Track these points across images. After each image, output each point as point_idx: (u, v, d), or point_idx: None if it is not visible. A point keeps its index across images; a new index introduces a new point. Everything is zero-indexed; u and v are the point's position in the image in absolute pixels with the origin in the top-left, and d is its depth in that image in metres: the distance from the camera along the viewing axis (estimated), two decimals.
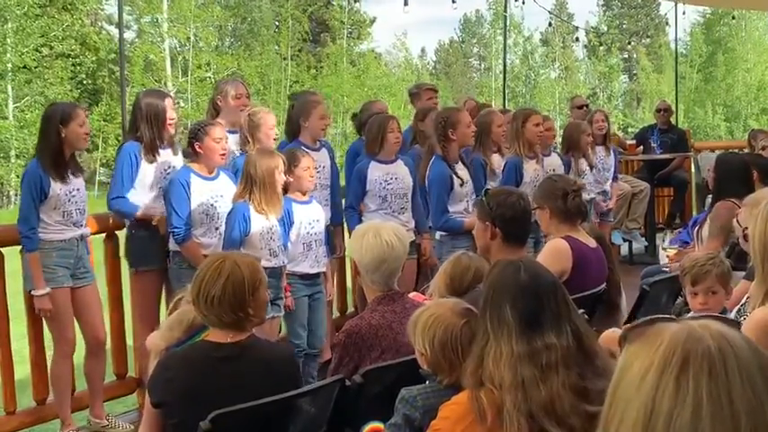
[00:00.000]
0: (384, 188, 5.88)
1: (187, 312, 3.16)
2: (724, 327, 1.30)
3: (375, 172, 5.89)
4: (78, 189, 4.88)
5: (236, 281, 2.93)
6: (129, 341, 5.60)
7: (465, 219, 5.79)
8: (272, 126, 5.48)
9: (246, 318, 2.98)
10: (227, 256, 3.10)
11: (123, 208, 5.15)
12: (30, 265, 4.72)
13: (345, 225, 6.09)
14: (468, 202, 5.85)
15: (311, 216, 5.30)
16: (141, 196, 5.17)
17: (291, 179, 5.17)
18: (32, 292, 4.73)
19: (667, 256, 5.80)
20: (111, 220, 5.41)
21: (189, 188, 4.98)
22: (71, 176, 4.84)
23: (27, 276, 4.77)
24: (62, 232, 4.80)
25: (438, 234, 5.93)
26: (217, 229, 5.07)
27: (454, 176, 5.82)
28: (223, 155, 5.08)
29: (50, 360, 4.99)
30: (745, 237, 4.38)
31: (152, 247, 5.18)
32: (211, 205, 5.07)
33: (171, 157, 5.24)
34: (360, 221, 5.71)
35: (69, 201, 4.80)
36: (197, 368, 2.94)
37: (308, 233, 5.26)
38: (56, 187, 4.73)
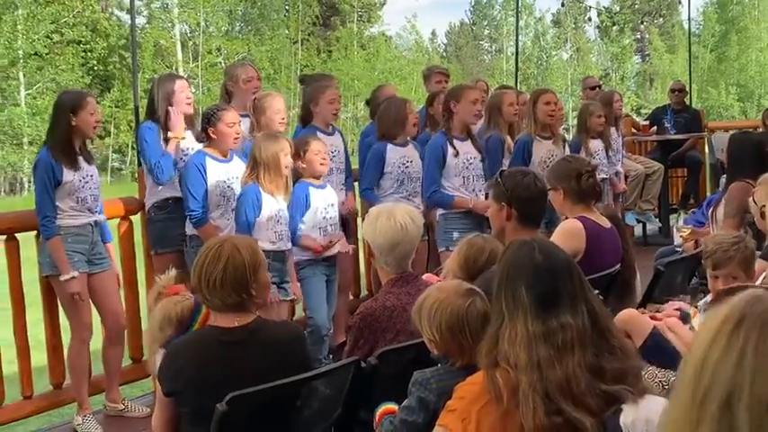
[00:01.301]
0: (402, 171, 5.88)
1: (170, 307, 3.16)
2: None
3: (393, 155, 5.89)
4: (91, 176, 4.91)
5: (237, 262, 2.93)
6: (145, 325, 5.61)
7: (456, 194, 5.74)
8: (278, 110, 5.45)
9: (250, 299, 2.97)
10: (225, 239, 3.10)
11: (166, 163, 5.18)
12: (51, 251, 4.74)
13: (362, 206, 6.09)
14: (465, 178, 5.80)
15: (327, 200, 5.32)
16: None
17: (304, 165, 5.18)
18: (60, 277, 4.74)
19: (681, 236, 5.78)
20: (123, 205, 5.44)
21: (205, 171, 5.02)
22: (83, 163, 4.86)
23: (44, 262, 4.80)
24: (76, 218, 4.82)
25: (437, 215, 5.86)
26: (233, 210, 5.09)
27: (449, 147, 5.76)
28: (236, 139, 5.11)
29: (67, 345, 5.02)
30: (762, 215, 4.36)
31: (171, 229, 5.24)
32: (228, 187, 5.10)
33: (192, 142, 5.27)
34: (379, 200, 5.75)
35: (83, 187, 4.83)
36: (206, 355, 2.94)
37: (323, 218, 5.28)
38: (68, 174, 4.75)
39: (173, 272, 3.39)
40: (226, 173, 5.10)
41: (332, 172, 5.69)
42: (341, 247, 5.57)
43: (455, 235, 5.46)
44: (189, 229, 5.13)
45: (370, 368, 3.06)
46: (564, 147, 6.49)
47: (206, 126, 5.05)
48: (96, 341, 5.13)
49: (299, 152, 5.19)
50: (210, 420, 2.68)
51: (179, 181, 5.16)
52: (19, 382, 4.97)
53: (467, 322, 2.72)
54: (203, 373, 2.90)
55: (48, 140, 4.87)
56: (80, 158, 4.85)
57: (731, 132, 8.62)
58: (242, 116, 5.39)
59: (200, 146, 5.18)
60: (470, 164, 5.82)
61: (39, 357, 5.12)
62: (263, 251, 4.63)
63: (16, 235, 4.93)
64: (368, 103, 7.22)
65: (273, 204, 4.93)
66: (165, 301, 3.19)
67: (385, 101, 6.32)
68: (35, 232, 4.86)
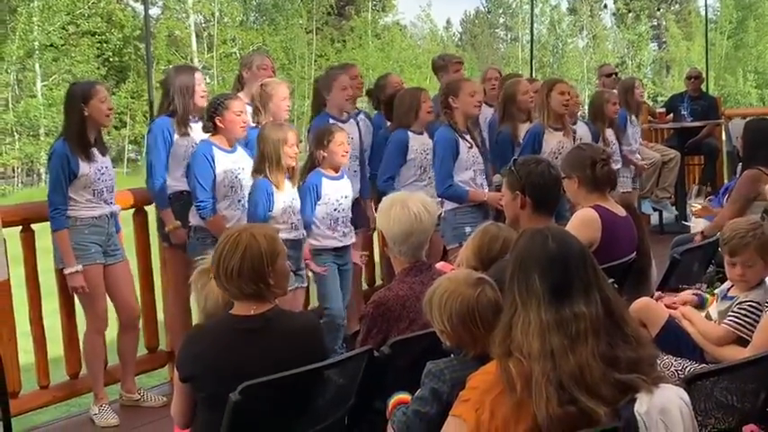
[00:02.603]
0: (425, 158, 5.87)
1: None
2: None
3: (415, 142, 5.88)
4: (106, 167, 4.92)
5: (254, 252, 2.92)
6: (161, 315, 5.65)
7: (470, 189, 5.71)
8: (284, 97, 5.38)
9: (268, 288, 2.97)
10: (244, 228, 3.08)
11: (159, 198, 5.25)
12: (58, 243, 4.76)
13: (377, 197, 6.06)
14: (475, 171, 5.77)
15: (341, 192, 5.30)
16: (174, 171, 5.25)
17: (325, 154, 5.17)
18: (64, 271, 4.77)
19: (693, 211, 5.77)
20: (139, 196, 5.45)
21: (213, 161, 4.98)
22: (98, 155, 4.87)
23: (57, 254, 4.82)
24: (93, 209, 4.83)
25: (443, 211, 5.68)
26: (240, 201, 5.07)
27: (461, 141, 5.72)
28: (243, 127, 5.08)
29: (82, 335, 5.05)
30: None
31: (183, 221, 5.22)
32: (236, 177, 5.07)
33: (200, 133, 5.27)
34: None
35: (99, 179, 4.83)
36: (223, 342, 2.95)
37: (335, 209, 5.26)
38: (84, 166, 4.76)
39: None
40: (233, 163, 5.05)
41: None
42: (355, 258, 5.57)
43: (467, 229, 5.42)
44: (194, 220, 5.08)
45: (383, 357, 3.05)
46: (574, 139, 6.41)
47: (213, 115, 5.00)
48: (112, 331, 5.15)
49: (322, 141, 5.18)
50: (225, 406, 2.70)
51: (186, 172, 5.14)
52: (35, 371, 5.00)
53: (478, 311, 2.70)
54: (219, 359, 2.92)
55: (64, 132, 4.87)
56: (95, 150, 4.85)
57: (748, 119, 8.56)
58: (250, 105, 5.39)
59: (206, 136, 5.16)
60: (477, 158, 5.80)
61: (55, 347, 5.15)
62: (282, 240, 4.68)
63: (32, 225, 4.95)
64: (369, 93, 7.13)
65: (284, 196, 4.92)
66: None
67: (397, 91, 6.31)
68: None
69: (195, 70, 5.54)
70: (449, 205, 5.74)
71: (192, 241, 5.12)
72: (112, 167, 5.07)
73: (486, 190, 5.74)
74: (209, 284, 3.18)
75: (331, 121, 5.71)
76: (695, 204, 5.75)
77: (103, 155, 4.94)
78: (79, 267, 4.75)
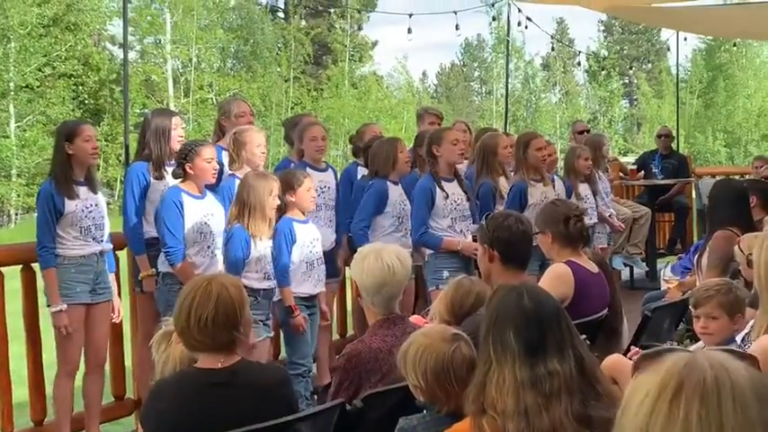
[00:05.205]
0: (402, 209, 5.91)
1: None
2: (728, 357, 1.33)
3: (393, 194, 5.91)
4: (96, 205, 4.91)
5: (227, 301, 2.90)
6: (128, 362, 5.57)
7: (445, 236, 5.76)
8: (258, 144, 5.35)
9: (237, 337, 2.95)
10: (211, 277, 3.06)
11: (134, 243, 5.22)
12: (45, 281, 4.74)
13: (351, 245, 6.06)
14: (453, 220, 5.83)
15: (311, 235, 5.30)
16: (150, 216, 5.20)
17: (293, 199, 5.16)
18: (49, 309, 4.72)
19: (668, 288, 5.76)
20: (112, 239, 5.40)
21: (182, 208, 4.92)
22: (86, 192, 4.85)
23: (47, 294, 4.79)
24: (81, 248, 4.81)
25: (426, 254, 5.88)
26: (209, 248, 5.03)
27: (438, 190, 5.80)
28: (215, 174, 5.05)
29: (48, 380, 4.96)
30: (749, 263, 4.36)
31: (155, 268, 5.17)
32: (205, 224, 5.02)
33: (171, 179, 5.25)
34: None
35: (86, 216, 4.82)
36: (189, 397, 2.90)
37: (309, 252, 5.26)
38: (71, 204, 4.76)
39: None
40: (201, 209, 5.01)
41: (320, 208, 5.69)
42: (322, 304, 5.54)
43: (445, 274, 5.47)
44: (162, 267, 5.02)
45: (355, 411, 3.03)
46: (554, 186, 6.52)
47: (183, 162, 4.95)
48: (78, 377, 5.07)
49: (292, 185, 5.17)
50: None
51: (154, 218, 5.08)
52: (0, 417, 4.91)
53: (452, 368, 2.70)
54: (185, 414, 2.86)
55: (50, 171, 4.88)
56: (82, 188, 4.84)
57: (718, 178, 8.68)
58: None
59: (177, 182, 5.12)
60: (458, 205, 5.85)
61: (20, 393, 5.05)
62: (254, 289, 4.67)
63: (2, 269, 4.90)
64: (351, 140, 7.20)
65: (259, 245, 4.90)
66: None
67: (374, 140, 6.36)
68: (20, 266, 4.84)
69: (173, 114, 5.52)
70: (430, 250, 5.83)
71: (160, 287, 5.05)
72: (105, 206, 5.03)
73: (469, 237, 5.75)
74: (170, 349, 3.14)
75: (308, 169, 5.72)
76: (672, 280, 5.76)
77: (94, 192, 4.93)
78: (64, 306, 4.71)
